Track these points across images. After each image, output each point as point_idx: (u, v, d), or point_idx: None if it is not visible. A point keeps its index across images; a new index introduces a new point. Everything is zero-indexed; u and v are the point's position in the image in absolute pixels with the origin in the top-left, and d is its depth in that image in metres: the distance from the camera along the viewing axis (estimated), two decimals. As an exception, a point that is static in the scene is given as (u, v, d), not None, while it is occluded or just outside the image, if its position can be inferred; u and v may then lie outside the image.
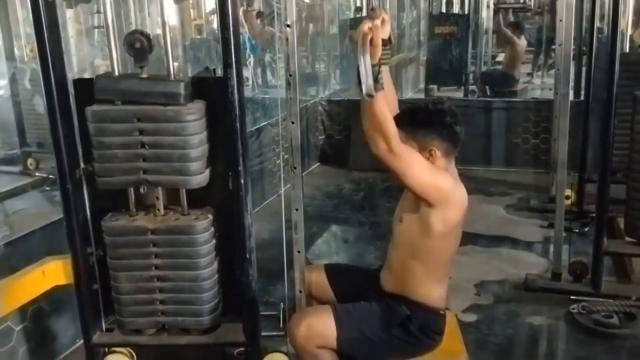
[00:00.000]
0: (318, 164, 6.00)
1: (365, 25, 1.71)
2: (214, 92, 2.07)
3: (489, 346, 2.79)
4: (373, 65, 1.70)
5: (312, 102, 5.94)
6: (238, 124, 2.04)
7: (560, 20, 3.41)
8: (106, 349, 2.34)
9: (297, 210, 2.19)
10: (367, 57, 1.66)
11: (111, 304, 2.28)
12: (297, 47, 2.02)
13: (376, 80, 1.67)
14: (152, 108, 2.02)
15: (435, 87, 8.21)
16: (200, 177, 2.09)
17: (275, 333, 2.53)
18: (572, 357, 2.71)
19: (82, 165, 2.15)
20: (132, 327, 2.27)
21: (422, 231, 2.00)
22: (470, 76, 7.98)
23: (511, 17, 9.08)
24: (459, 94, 7.76)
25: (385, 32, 1.81)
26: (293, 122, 2.08)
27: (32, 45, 4.18)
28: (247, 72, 6.79)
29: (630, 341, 2.78)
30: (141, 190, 2.13)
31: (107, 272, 2.23)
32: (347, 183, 5.30)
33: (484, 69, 8.81)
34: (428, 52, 8.35)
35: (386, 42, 1.80)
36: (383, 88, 1.76)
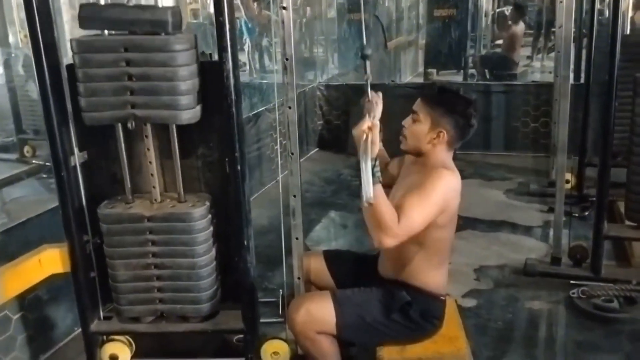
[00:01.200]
0: (316, 149, 5.97)
1: (365, 125, 1.73)
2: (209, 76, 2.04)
3: (489, 331, 2.78)
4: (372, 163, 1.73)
5: (310, 87, 5.89)
6: (234, 109, 2.01)
7: (561, 2, 3.36)
8: (104, 337, 2.33)
9: (295, 196, 2.16)
10: (369, 162, 1.69)
11: (109, 292, 2.27)
12: (293, 31, 1.98)
13: (373, 174, 1.71)
14: (139, 37, 1.96)
15: (434, 70, 8.15)
16: (190, 112, 2.01)
17: (274, 320, 2.52)
18: (572, 342, 2.70)
19: (77, 152, 2.13)
20: (130, 315, 2.27)
21: None
22: (470, 59, 7.93)
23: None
24: (458, 78, 7.71)
25: (378, 113, 1.84)
26: (290, 107, 2.05)
27: (26, 31, 4.14)
28: (244, 57, 6.73)
29: (630, 325, 2.77)
30: (129, 125, 2.04)
31: (104, 260, 2.21)
32: (345, 168, 5.26)
33: (483, 52, 8.75)
34: (427, 35, 8.27)
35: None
36: (380, 181, 1.77)
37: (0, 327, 2.43)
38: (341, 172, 5.21)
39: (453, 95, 2.03)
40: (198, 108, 2.03)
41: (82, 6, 1.97)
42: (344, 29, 7.21)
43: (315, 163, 5.53)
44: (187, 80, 1.97)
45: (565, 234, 3.27)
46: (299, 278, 2.27)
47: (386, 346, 2.10)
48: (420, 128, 2.01)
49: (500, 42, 9.02)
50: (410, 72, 9.40)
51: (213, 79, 2.02)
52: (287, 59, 1.99)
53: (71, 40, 1.96)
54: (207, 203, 2.16)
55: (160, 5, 1.99)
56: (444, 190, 1.94)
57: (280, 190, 2.26)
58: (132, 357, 2.35)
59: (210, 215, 2.17)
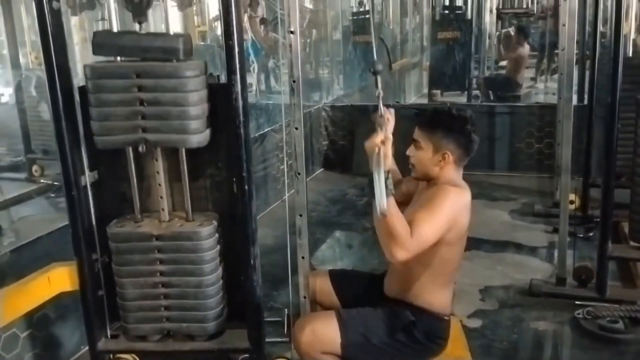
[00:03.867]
0: (322, 169, 6.01)
1: (378, 139, 1.76)
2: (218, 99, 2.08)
3: (494, 351, 2.78)
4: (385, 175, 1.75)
5: (315, 107, 5.96)
6: (242, 130, 2.05)
7: (563, 25, 3.41)
8: (111, 356, 2.34)
9: (301, 215, 2.19)
10: (382, 175, 1.71)
11: (116, 310, 2.28)
12: (300, 53, 2.02)
13: (385, 187, 1.73)
14: (151, 64, 1.99)
15: (438, 92, 8.22)
16: (199, 137, 2.03)
17: (279, 339, 2.53)
18: (578, 363, 2.70)
19: (87, 172, 2.16)
20: (137, 333, 2.27)
21: None
22: (474, 81, 7.99)
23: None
24: (463, 99, 7.77)
25: (390, 129, 1.89)
26: (297, 128, 2.09)
27: (37, 52, 4.21)
28: (250, 78, 6.80)
29: (635, 346, 2.77)
30: (140, 149, 2.06)
31: (112, 278, 2.23)
32: (350, 188, 5.30)
33: (487, 73, 8.82)
34: (431, 57, 8.37)
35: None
36: (393, 193, 1.80)
37: (8, 345, 2.45)
38: (346, 192, 5.24)
39: (448, 115, 2.05)
40: (207, 132, 2.07)
41: (96, 33, 2.02)
42: (349, 50, 7.30)
43: (321, 183, 5.57)
44: (197, 105, 2.01)
45: (570, 255, 3.28)
46: (304, 297, 2.29)
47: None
48: (424, 155, 2.04)
49: (504, 63, 9.12)
50: (415, 93, 9.48)
51: (221, 100, 2.06)
52: (294, 81, 2.03)
53: (85, 66, 2.00)
54: (215, 222, 2.18)
55: (170, 31, 2.04)
56: (452, 204, 1.96)
57: (287, 210, 2.29)
58: (138, 376, 2.36)
59: (217, 234, 2.19)
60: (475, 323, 3.03)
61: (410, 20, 9.57)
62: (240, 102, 2.01)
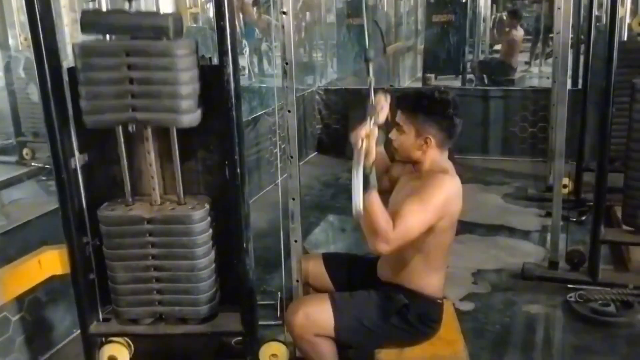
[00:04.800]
0: (315, 153, 5.99)
1: (363, 132, 1.75)
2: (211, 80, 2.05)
3: (487, 334, 2.80)
4: (365, 169, 1.76)
5: (309, 91, 5.92)
6: (234, 113, 2.03)
7: (559, 8, 3.38)
8: (103, 339, 2.34)
9: (294, 199, 2.18)
10: (360, 172, 1.71)
11: (108, 294, 2.27)
12: (293, 36, 2.00)
13: (367, 181, 1.74)
14: (141, 42, 1.97)
15: (432, 76, 8.19)
16: (191, 116, 2.02)
17: (273, 322, 2.54)
18: (569, 345, 2.71)
19: (77, 154, 2.14)
20: (129, 316, 2.27)
21: None
22: (468, 65, 7.96)
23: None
24: (457, 83, 7.75)
25: (382, 117, 1.88)
26: (289, 111, 2.07)
27: (26, 34, 4.14)
28: (243, 61, 6.76)
29: (626, 329, 2.79)
30: (130, 128, 2.05)
31: (103, 261, 2.22)
32: (344, 172, 5.28)
33: (481, 57, 8.79)
34: (425, 40, 8.32)
35: (382, 126, 1.90)
36: (375, 187, 1.81)
37: (0, 329, 2.45)
38: (339, 175, 5.23)
39: (429, 99, 2.02)
40: (198, 112, 2.04)
41: (84, 12, 1.99)
42: (343, 33, 7.25)
43: (314, 167, 5.55)
44: (187, 85, 1.98)
45: (562, 238, 3.29)
46: (297, 281, 2.29)
47: (384, 349, 2.12)
48: (406, 139, 2.02)
49: (498, 47, 9.08)
50: (409, 77, 9.45)
51: (213, 82, 2.03)
52: (287, 63, 2.01)
53: (73, 45, 1.98)
54: (207, 205, 2.17)
55: (160, 11, 2.01)
56: (443, 196, 1.95)
57: (280, 193, 2.27)
58: (130, 359, 2.35)
59: (209, 218, 2.18)
60: (468, 306, 3.04)
61: (405, 3, 9.51)
62: (232, 84, 2.00)
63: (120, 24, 1.96)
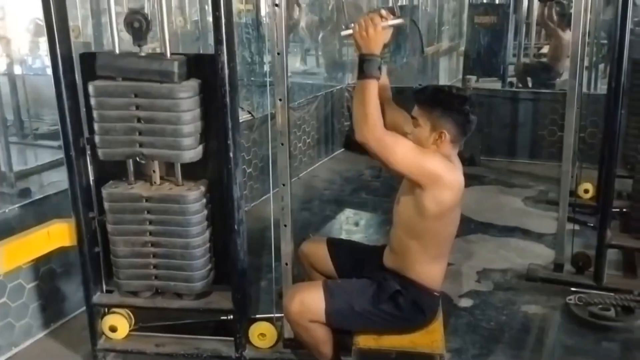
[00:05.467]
0: (342, 149, 6.05)
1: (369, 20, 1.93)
2: (209, 70, 2.17)
3: (480, 330, 2.82)
4: (374, 55, 1.93)
5: (338, 88, 5.99)
6: (228, 99, 2.15)
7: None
8: (106, 309, 2.50)
9: (284, 185, 2.28)
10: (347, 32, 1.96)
11: (112, 268, 2.43)
12: (285, 28, 2.09)
13: (377, 68, 1.91)
14: (148, 85, 2.15)
15: (473, 77, 8.10)
16: (192, 152, 2.21)
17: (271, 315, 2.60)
18: (561, 346, 2.71)
19: (86, 135, 2.30)
20: (128, 289, 2.42)
21: (417, 212, 2.06)
22: (511, 67, 7.82)
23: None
24: (497, 85, 7.64)
25: (386, 37, 1.97)
26: (280, 100, 2.17)
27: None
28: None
29: (623, 334, 2.77)
30: (138, 160, 2.26)
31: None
32: (367, 169, 5.34)
33: (526, 60, 8.61)
34: (467, 42, 8.24)
35: (386, 46, 1.99)
36: (380, 77, 1.93)
37: (14, 295, 2.63)
38: (362, 172, 5.28)
39: (446, 95, 2.08)
40: (200, 148, 2.24)
41: (99, 54, 2.21)
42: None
43: (339, 163, 5.62)
44: (190, 124, 2.17)
45: (569, 242, 3.27)
46: (286, 264, 2.38)
47: (363, 334, 2.18)
48: (422, 132, 2.06)
49: (545, 50, 8.87)
50: (450, 79, 9.37)
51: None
52: (278, 54, 2.11)
53: (89, 85, 2.18)
54: (202, 187, 2.29)
55: (168, 50, 2.17)
56: (440, 168, 2.00)
57: (271, 180, 2.37)
58: (130, 330, 2.50)
59: (205, 200, 2.30)
60: (466, 303, 3.07)
61: (448, 3, 9.44)
62: (226, 72, 2.11)
63: (130, 68, 2.15)
